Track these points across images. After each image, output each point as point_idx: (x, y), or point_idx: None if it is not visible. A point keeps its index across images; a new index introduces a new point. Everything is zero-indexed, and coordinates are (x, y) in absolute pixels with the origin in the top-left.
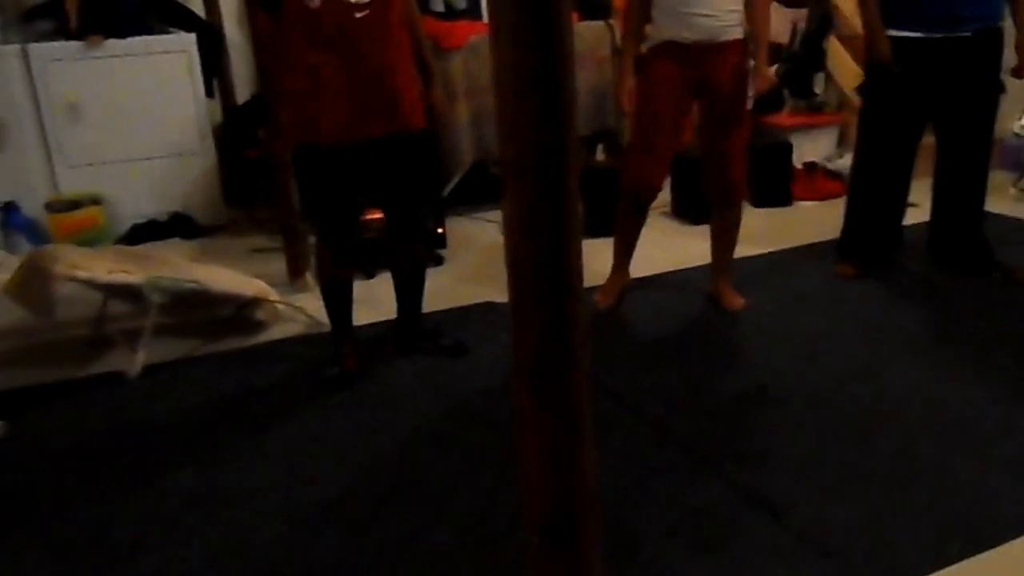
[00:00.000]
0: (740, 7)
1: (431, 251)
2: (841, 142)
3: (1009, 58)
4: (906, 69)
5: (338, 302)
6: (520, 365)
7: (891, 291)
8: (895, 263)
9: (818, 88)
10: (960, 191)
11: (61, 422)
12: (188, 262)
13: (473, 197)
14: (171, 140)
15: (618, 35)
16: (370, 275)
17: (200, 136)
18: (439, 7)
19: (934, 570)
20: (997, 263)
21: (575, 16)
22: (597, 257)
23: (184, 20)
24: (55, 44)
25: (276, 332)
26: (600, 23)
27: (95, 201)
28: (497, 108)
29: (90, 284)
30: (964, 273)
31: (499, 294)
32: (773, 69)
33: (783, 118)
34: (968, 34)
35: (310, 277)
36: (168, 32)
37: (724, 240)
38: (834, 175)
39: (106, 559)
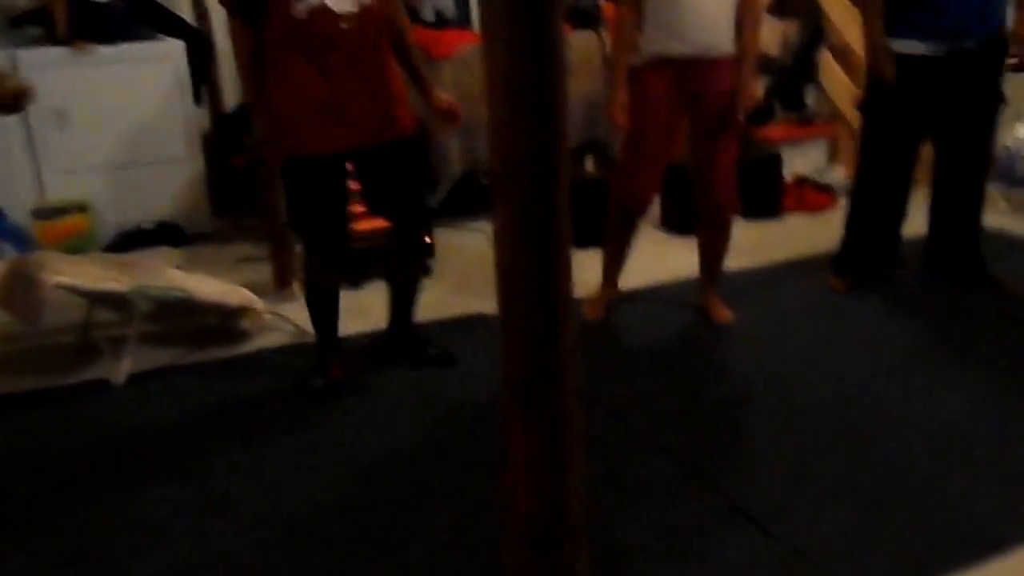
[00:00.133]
0: (732, 22)
1: (426, 261)
2: (832, 155)
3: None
4: (909, 86)
5: (324, 313)
6: (509, 376)
7: (881, 305)
8: (886, 277)
9: (809, 100)
10: (958, 204)
11: (45, 429)
12: (174, 270)
13: (462, 207)
14: (158, 147)
15: (608, 45)
16: (357, 285)
17: (188, 144)
18: (429, 16)
19: None
20: (989, 277)
21: (565, 27)
22: (585, 268)
23: (173, 27)
24: (43, 50)
25: (261, 341)
26: (590, 33)
27: (81, 208)
28: (489, 118)
29: (76, 291)
30: (956, 286)
31: (488, 305)
32: (760, 84)
33: (773, 130)
34: (973, 47)
35: (296, 286)
36: (156, 39)
37: (713, 253)
38: (824, 188)
39: (91, 567)
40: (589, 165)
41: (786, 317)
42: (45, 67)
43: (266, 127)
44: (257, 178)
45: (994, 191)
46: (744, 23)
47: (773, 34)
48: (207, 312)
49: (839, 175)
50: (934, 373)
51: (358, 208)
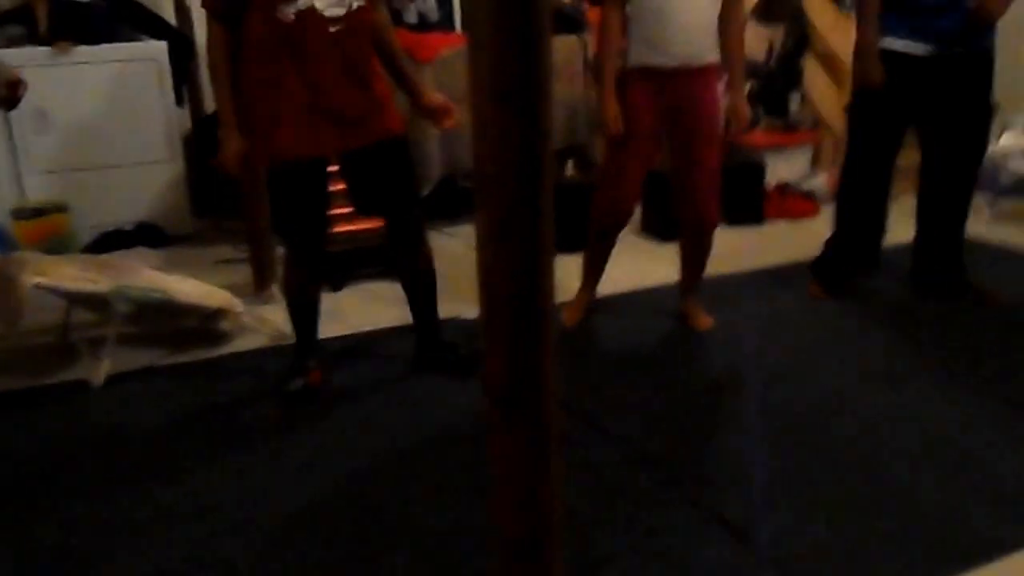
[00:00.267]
0: (715, 31)
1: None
2: (815, 162)
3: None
4: (894, 83)
5: (305, 316)
6: (490, 380)
7: (861, 313)
8: (866, 285)
9: (793, 107)
10: (944, 213)
11: (24, 430)
12: (154, 272)
13: (441, 211)
14: (139, 148)
15: (591, 50)
16: (337, 288)
17: (168, 145)
18: (412, 19)
19: None
20: (970, 286)
21: None
22: (566, 273)
23: (154, 28)
24: (24, 50)
25: (241, 343)
26: (573, 37)
27: (61, 209)
28: (472, 122)
29: (55, 292)
30: (937, 296)
31: (466, 308)
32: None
33: (757, 137)
34: (962, 53)
35: (276, 289)
36: (138, 39)
37: (694, 260)
38: (807, 195)
39: (67, 570)
40: (570, 169)
41: (767, 324)
42: (26, 67)
43: (230, 134)
44: (238, 180)
45: (978, 200)
46: (727, 38)
47: (758, 40)
48: (186, 314)
49: (822, 182)
50: (915, 382)
51: (340, 210)
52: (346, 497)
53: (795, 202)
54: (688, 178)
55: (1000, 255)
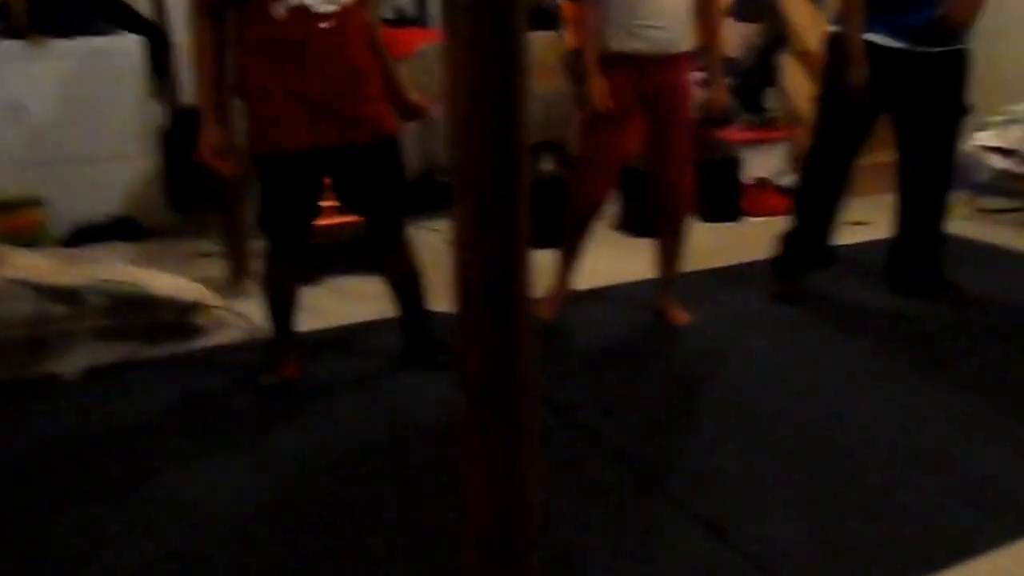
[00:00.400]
0: (690, 18)
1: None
2: (792, 158)
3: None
4: (868, 76)
5: (283, 311)
6: (465, 377)
7: (840, 311)
8: (842, 281)
9: (769, 103)
10: (922, 210)
11: None
12: (128, 265)
13: (418, 206)
14: (115, 142)
15: (566, 46)
16: (312, 282)
17: (144, 139)
18: (388, 14)
19: None
20: (947, 284)
21: None
22: (543, 269)
23: (130, 21)
24: None
25: (216, 337)
26: (549, 33)
27: (36, 202)
28: (449, 117)
29: (28, 286)
30: (914, 293)
31: (443, 303)
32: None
33: (733, 133)
34: (936, 51)
35: (251, 282)
36: (114, 33)
37: (669, 254)
38: (784, 191)
39: (39, 568)
40: (547, 164)
41: (743, 320)
42: (1, 60)
43: (210, 126)
44: (214, 174)
45: (954, 196)
46: (705, 24)
47: (735, 37)
48: (161, 307)
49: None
50: (891, 379)
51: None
52: (321, 492)
53: (772, 198)
54: (662, 165)
55: (977, 251)
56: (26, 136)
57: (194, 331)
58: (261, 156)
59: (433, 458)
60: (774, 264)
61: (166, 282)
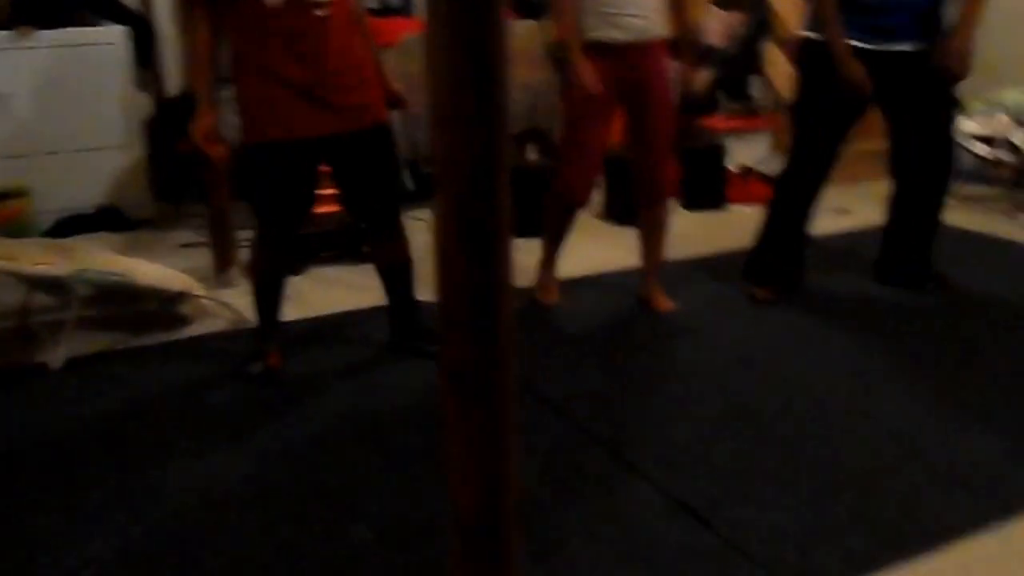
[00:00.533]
0: (664, 4)
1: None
2: (775, 146)
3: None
4: (838, 77)
5: (269, 300)
6: (447, 363)
7: (825, 300)
8: (828, 271)
9: (754, 91)
10: (918, 205)
11: None
12: (114, 255)
13: (404, 196)
14: (100, 132)
15: (551, 35)
16: (297, 272)
17: (129, 129)
18: (372, 4)
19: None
20: (933, 274)
21: (509, 15)
22: (527, 257)
23: (115, 12)
24: None
25: (201, 327)
26: (534, 22)
27: (21, 193)
28: (429, 105)
29: (14, 275)
30: (901, 284)
31: (429, 292)
32: (705, 75)
33: (717, 121)
34: (908, 49)
35: (236, 272)
36: (99, 24)
37: (652, 242)
38: (768, 179)
39: (26, 553)
40: (530, 153)
41: (728, 308)
42: None
43: (204, 109)
44: (200, 164)
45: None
46: (678, 11)
47: (719, 25)
48: (146, 297)
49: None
50: (875, 368)
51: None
52: (306, 479)
53: (756, 186)
54: (643, 151)
55: (964, 240)
56: (10, 126)
57: (179, 320)
58: (257, 144)
59: (419, 446)
60: (747, 267)
61: (151, 272)
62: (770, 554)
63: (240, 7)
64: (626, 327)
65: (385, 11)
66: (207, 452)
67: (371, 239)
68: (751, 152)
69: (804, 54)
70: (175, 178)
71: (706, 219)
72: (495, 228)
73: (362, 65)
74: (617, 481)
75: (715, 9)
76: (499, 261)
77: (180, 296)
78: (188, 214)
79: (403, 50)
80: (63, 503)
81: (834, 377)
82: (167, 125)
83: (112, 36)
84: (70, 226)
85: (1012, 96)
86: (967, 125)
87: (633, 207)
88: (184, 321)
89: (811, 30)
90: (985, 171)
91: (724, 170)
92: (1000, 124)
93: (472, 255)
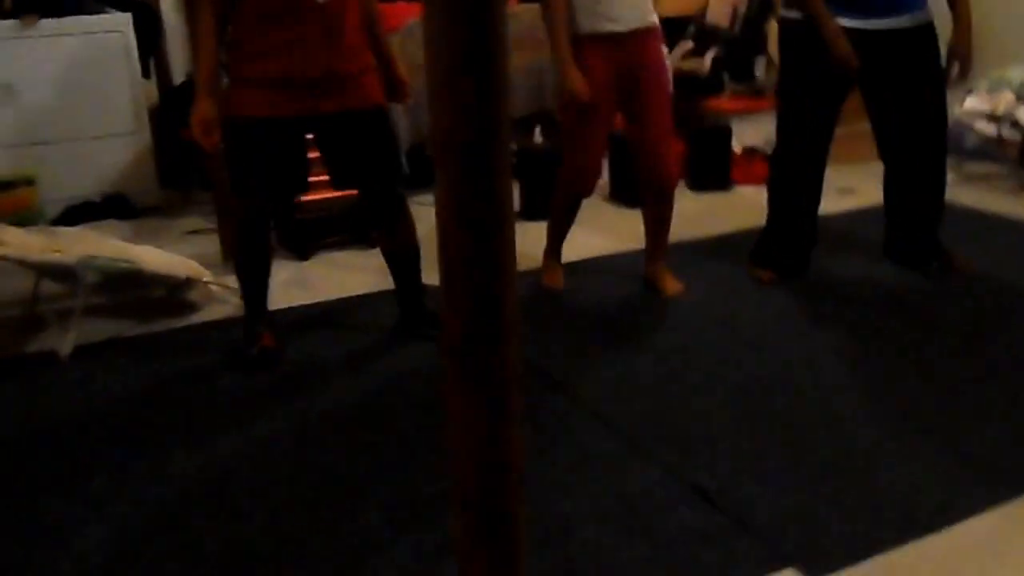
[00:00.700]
0: None
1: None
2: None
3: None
4: (830, 59)
5: (255, 279)
6: (449, 343)
7: (832, 281)
8: (834, 252)
9: (758, 72)
10: (916, 183)
11: None
12: (122, 242)
13: (409, 180)
14: (106, 121)
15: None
16: (304, 257)
17: (136, 117)
18: None
19: (866, 557)
20: (942, 253)
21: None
22: (533, 240)
23: (120, 0)
24: None
25: (208, 313)
26: (537, 5)
27: (28, 181)
28: (429, 86)
29: (22, 264)
30: (910, 264)
31: (435, 276)
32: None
33: (723, 102)
34: (892, 27)
35: None
36: (104, 12)
37: (657, 225)
38: None
39: (36, 539)
40: (537, 136)
41: (735, 289)
42: None
43: (203, 98)
44: (202, 152)
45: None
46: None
47: (723, 6)
48: (154, 283)
49: None
50: (882, 349)
51: (316, 178)
52: (313, 465)
53: (762, 166)
54: (644, 140)
55: (967, 217)
56: (17, 115)
57: (187, 307)
58: (237, 119)
59: (425, 429)
60: (754, 252)
61: (158, 259)
62: (776, 533)
63: None
64: (633, 309)
65: None
66: (213, 438)
67: (376, 224)
68: (756, 133)
69: (786, 35)
70: (181, 165)
71: (712, 200)
72: (497, 207)
73: (359, 50)
74: (624, 463)
75: None
76: (501, 240)
77: (188, 283)
78: (195, 201)
79: (408, 34)
80: (71, 488)
81: (841, 358)
82: (173, 112)
83: (117, 24)
84: (77, 214)
85: (1017, 74)
86: (972, 103)
87: (638, 189)
88: (192, 308)
89: (790, 9)
90: (990, 149)
91: (730, 151)
92: (1005, 102)
93: (473, 235)
